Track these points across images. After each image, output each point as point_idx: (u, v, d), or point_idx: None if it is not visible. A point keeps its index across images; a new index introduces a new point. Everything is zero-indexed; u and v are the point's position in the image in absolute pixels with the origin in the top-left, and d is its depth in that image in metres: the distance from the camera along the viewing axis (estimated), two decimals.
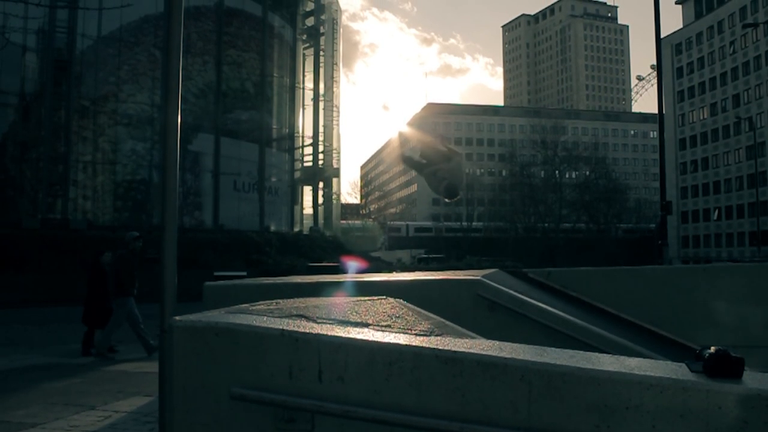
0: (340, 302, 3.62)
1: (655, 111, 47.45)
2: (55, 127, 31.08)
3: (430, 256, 56.41)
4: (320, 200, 44.94)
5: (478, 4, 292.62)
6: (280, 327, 2.56)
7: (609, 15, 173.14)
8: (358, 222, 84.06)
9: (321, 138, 44.08)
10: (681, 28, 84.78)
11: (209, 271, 15.64)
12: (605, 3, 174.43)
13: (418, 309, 3.46)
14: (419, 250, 64.19)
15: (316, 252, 32.32)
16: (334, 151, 45.51)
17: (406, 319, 3.10)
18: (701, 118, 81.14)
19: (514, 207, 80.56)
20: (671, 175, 70.40)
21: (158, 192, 6.52)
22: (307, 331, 2.53)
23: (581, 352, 2.54)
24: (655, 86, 40.15)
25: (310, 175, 43.75)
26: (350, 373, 2.40)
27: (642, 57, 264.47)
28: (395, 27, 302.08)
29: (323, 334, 2.51)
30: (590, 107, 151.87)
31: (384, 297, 3.67)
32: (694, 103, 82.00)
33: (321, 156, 44.10)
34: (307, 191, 44.44)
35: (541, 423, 2.21)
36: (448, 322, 3.23)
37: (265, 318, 2.78)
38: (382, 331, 2.72)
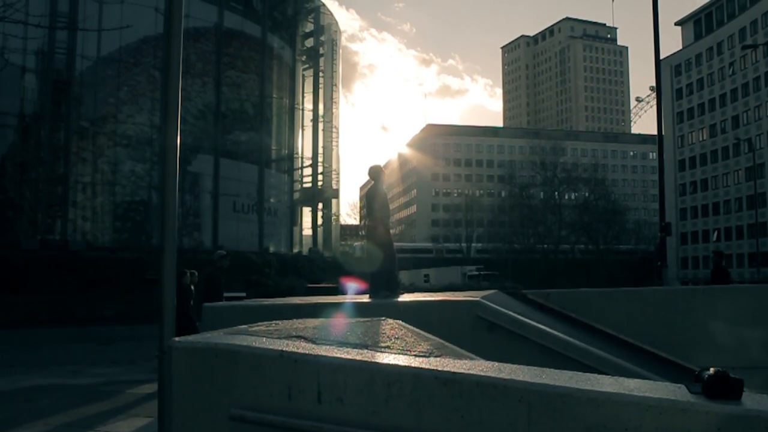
0: (339, 323, 3.62)
1: (655, 132, 47.55)
2: (54, 148, 31.14)
3: (481, 273, 52.67)
4: (320, 221, 44.92)
5: (477, 25, 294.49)
6: (280, 348, 2.56)
7: (608, 36, 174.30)
8: (358, 243, 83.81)
9: (320, 159, 44.15)
10: (680, 50, 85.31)
11: None
12: (605, 24, 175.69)
13: (417, 330, 3.45)
14: (470, 267, 58.73)
15: (315, 273, 32.24)
16: (334, 172, 45.56)
17: (405, 340, 3.09)
18: (700, 139, 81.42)
19: (513, 228, 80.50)
20: (670, 196, 70.51)
21: (158, 213, 6.53)
22: (306, 352, 2.53)
23: (580, 373, 2.54)
24: (655, 107, 40.34)
25: (310, 196, 43.76)
26: (349, 395, 2.40)
27: (641, 78, 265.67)
28: (394, 48, 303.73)
29: (322, 356, 2.51)
30: (590, 128, 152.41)
31: (383, 318, 3.67)
32: (694, 124, 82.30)
33: (320, 177, 44.14)
34: (307, 212, 44.42)
35: None
36: (447, 343, 3.23)
37: (264, 339, 2.78)
38: (381, 352, 2.71)
